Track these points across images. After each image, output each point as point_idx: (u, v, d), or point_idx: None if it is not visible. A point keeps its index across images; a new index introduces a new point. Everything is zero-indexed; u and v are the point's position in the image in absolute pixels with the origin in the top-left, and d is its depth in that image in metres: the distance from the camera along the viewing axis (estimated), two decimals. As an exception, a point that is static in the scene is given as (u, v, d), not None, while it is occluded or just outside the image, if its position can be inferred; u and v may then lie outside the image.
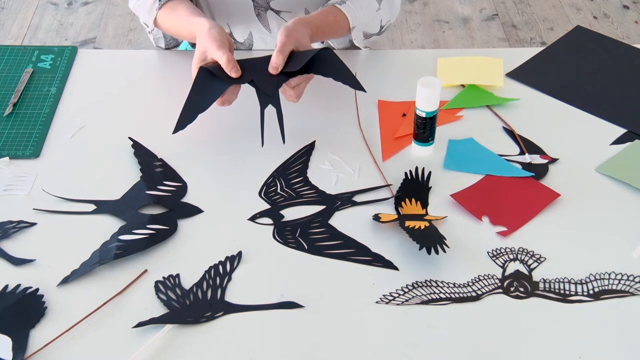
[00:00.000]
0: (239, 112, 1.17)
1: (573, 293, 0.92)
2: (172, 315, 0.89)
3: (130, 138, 1.14)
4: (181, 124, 1.07)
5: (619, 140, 1.14)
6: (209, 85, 1.08)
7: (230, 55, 1.05)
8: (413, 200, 1.04)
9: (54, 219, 1.02)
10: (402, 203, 1.03)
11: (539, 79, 1.26)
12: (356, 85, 1.09)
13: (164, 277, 0.93)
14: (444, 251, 0.93)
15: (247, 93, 1.10)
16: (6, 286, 0.92)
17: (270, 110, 1.07)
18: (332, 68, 1.09)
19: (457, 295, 0.91)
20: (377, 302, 0.91)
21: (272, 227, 1.00)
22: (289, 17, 1.29)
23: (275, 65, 1.07)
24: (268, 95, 1.06)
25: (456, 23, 2.83)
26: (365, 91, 1.10)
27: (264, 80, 1.07)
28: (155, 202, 1.03)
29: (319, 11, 1.21)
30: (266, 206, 1.03)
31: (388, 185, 1.06)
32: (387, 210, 1.03)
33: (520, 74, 1.28)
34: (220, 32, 1.09)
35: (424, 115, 1.07)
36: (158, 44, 1.33)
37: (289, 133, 1.10)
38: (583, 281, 0.93)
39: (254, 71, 1.08)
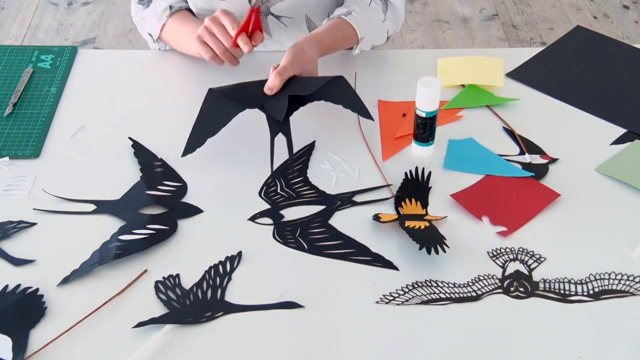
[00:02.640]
0: (239, 112, 1.17)
1: (573, 293, 0.92)
2: (172, 315, 0.89)
3: (130, 138, 1.14)
4: (191, 147, 1.07)
5: (619, 140, 1.14)
6: (218, 110, 1.08)
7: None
8: (413, 200, 1.04)
9: (54, 219, 1.02)
10: (402, 203, 1.03)
11: (539, 79, 1.26)
12: (365, 113, 1.10)
13: (164, 277, 0.93)
14: (444, 251, 0.93)
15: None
16: (6, 286, 0.92)
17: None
18: (342, 96, 1.10)
19: (457, 295, 0.91)
20: (377, 302, 0.91)
21: (272, 227, 1.00)
22: (290, 22, 1.29)
23: (271, 86, 1.07)
24: (278, 122, 1.06)
25: (456, 23, 2.83)
26: (372, 119, 1.11)
27: (274, 105, 1.07)
28: (155, 202, 1.03)
29: (328, 27, 1.20)
30: (266, 206, 1.03)
31: (388, 185, 1.06)
32: (387, 210, 1.03)
33: (520, 74, 1.28)
34: None
35: (424, 115, 1.07)
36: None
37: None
38: (583, 281, 0.93)
39: (263, 95, 1.08)
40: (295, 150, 1.11)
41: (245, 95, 1.09)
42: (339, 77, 1.10)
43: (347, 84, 1.10)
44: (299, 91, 1.08)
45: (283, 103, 1.07)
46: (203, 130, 1.08)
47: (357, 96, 1.11)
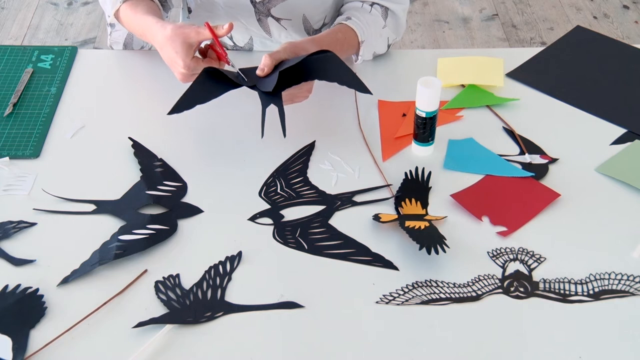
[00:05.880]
0: (239, 113, 1.17)
1: (573, 293, 0.92)
2: (172, 315, 0.89)
3: (130, 138, 1.14)
4: (178, 108, 1.05)
5: (619, 140, 1.14)
6: (212, 83, 1.07)
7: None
8: (413, 200, 1.04)
9: (54, 219, 1.02)
10: (402, 203, 1.03)
11: (539, 79, 1.26)
12: (362, 88, 1.08)
13: (164, 277, 0.93)
14: (444, 251, 0.93)
15: (248, 94, 1.10)
16: (6, 286, 0.92)
17: (272, 109, 1.06)
18: (336, 72, 1.08)
19: (457, 295, 0.91)
20: (377, 302, 0.91)
21: (272, 227, 1.00)
22: (289, 24, 1.29)
23: (262, 67, 1.06)
24: (269, 95, 1.06)
25: (456, 23, 2.83)
26: (371, 93, 1.08)
27: (265, 81, 1.07)
28: (155, 202, 1.03)
29: (327, 30, 1.21)
30: (266, 206, 1.03)
31: (388, 185, 1.06)
32: (387, 210, 1.03)
33: (520, 74, 1.28)
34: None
35: (424, 115, 1.07)
36: (115, 48, 1.33)
37: (289, 133, 1.10)
38: (583, 281, 0.93)
39: (254, 77, 1.08)
40: (295, 150, 1.12)
41: (238, 77, 1.08)
42: (329, 54, 1.06)
43: (339, 60, 1.07)
44: (288, 64, 1.06)
45: (273, 77, 1.05)
46: (194, 95, 1.05)
47: (351, 71, 1.07)
